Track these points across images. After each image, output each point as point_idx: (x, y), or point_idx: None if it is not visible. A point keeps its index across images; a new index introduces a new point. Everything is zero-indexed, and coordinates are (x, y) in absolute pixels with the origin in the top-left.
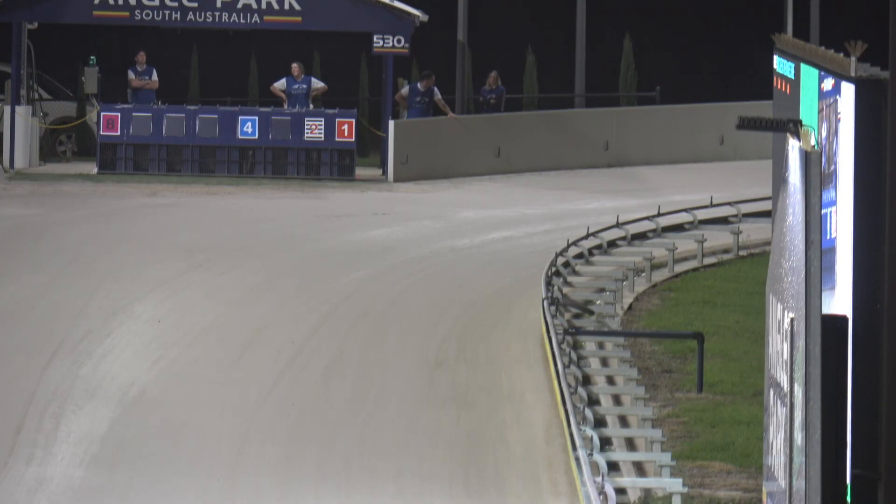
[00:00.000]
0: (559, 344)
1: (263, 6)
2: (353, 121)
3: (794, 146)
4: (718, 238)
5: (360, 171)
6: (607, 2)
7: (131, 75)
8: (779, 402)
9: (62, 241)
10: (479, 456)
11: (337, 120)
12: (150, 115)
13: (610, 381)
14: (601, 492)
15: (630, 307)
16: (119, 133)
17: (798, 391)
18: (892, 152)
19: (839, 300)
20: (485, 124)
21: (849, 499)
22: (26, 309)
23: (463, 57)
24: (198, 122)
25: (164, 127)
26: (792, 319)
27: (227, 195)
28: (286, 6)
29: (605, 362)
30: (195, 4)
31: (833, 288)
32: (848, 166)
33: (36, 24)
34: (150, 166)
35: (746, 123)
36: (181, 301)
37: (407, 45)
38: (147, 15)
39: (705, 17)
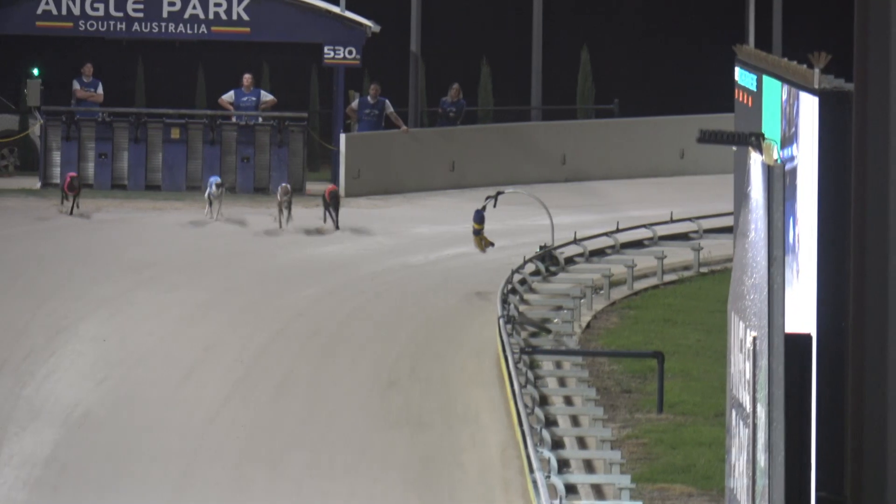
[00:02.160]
0: (515, 363)
1: (211, 17)
2: (303, 132)
3: (756, 160)
4: (679, 254)
5: (310, 187)
6: (564, 12)
7: (76, 86)
8: (741, 423)
9: (3, 257)
10: (434, 478)
11: (287, 131)
12: (94, 127)
13: (568, 401)
14: None
15: (588, 325)
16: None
17: (761, 411)
18: (856, 165)
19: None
20: (438, 138)
21: None
22: None
23: (416, 68)
24: (147, 134)
25: (113, 139)
26: (754, 338)
27: (174, 210)
28: (234, 17)
29: (562, 382)
30: (141, 15)
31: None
32: (809, 180)
33: None
34: (96, 181)
35: (707, 137)
36: (127, 319)
37: (358, 57)
38: (91, 25)
39: (664, 28)
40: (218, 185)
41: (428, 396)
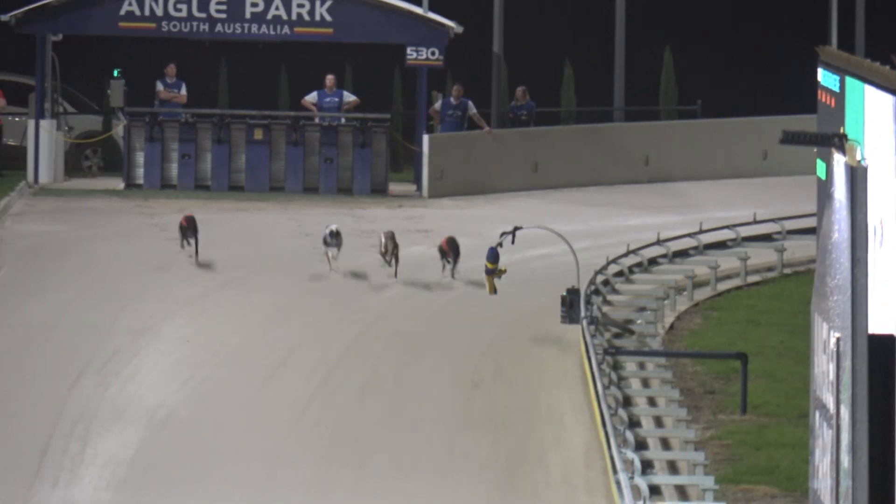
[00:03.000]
0: (599, 364)
1: (294, 17)
2: (386, 133)
3: (839, 161)
4: (762, 255)
5: (393, 187)
6: (647, 14)
7: (160, 87)
8: (825, 424)
9: (88, 258)
10: (517, 479)
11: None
12: (177, 128)
13: (651, 402)
14: None
15: (672, 326)
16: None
17: (845, 413)
18: None
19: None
20: (521, 139)
21: None
22: (51, 328)
23: (499, 69)
24: (230, 135)
25: (196, 140)
26: (838, 339)
27: (257, 211)
28: (317, 17)
29: (646, 383)
30: (224, 16)
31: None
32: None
33: (60, 36)
34: (179, 182)
35: (790, 138)
36: (210, 320)
37: (441, 57)
38: (174, 26)
39: (747, 29)
40: (334, 234)
41: (511, 397)
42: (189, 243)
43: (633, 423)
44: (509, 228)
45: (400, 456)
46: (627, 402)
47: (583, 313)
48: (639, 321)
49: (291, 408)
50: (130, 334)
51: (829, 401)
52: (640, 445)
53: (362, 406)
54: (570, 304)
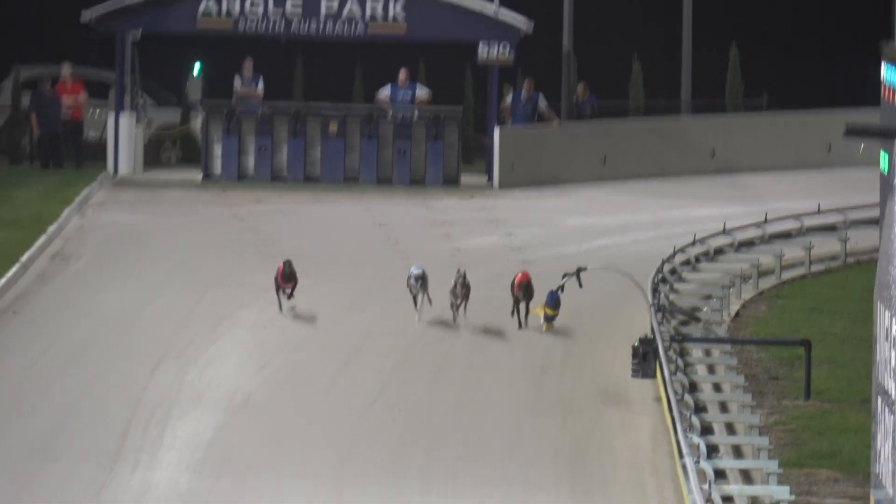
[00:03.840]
0: (666, 351)
1: (368, 16)
2: (458, 126)
3: None
4: (826, 245)
5: (465, 179)
6: (713, 10)
7: (237, 83)
8: (887, 410)
9: (167, 247)
10: (585, 462)
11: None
12: (254, 121)
13: (717, 388)
14: (708, 499)
15: (737, 314)
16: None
17: None
18: None
19: None
20: (590, 132)
21: None
22: (132, 315)
23: (569, 65)
24: (306, 128)
25: (272, 133)
26: None
27: (332, 202)
28: (391, 16)
29: (711, 369)
30: (299, 14)
31: None
32: None
33: (139, 34)
34: (256, 173)
35: (854, 130)
36: (286, 308)
37: (512, 55)
38: (251, 25)
39: (811, 25)
40: (418, 278)
41: (580, 383)
42: (286, 292)
43: (699, 409)
44: (580, 220)
45: (471, 440)
46: (693, 387)
47: (650, 301)
48: (705, 309)
49: (365, 393)
50: (209, 321)
51: (891, 387)
52: (706, 430)
53: (434, 391)
54: (644, 357)
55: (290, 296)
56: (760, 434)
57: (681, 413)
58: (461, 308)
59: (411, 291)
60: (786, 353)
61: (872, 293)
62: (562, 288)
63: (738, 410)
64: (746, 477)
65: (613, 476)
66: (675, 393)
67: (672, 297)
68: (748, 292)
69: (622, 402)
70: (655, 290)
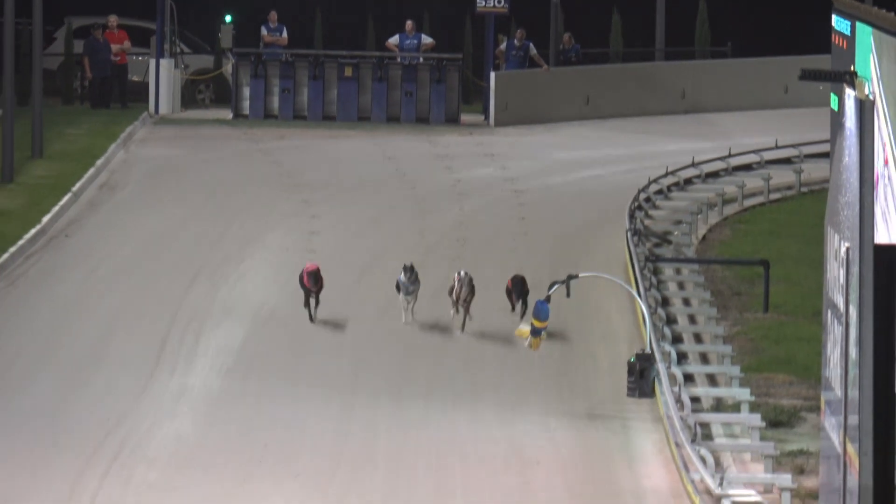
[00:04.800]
0: (641, 270)
1: None
2: (458, 71)
3: (849, 95)
4: (783, 176)
5: (464, 117)
6: None
7: (264, 31)
8: (836, 321)
9: (202, 178)
10: (571, 369)
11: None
12: (278, 66)
13: (686, 302)
14: (678, 400)
15: (704, 237)
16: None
17: (853, 311)
18: None
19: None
20: (575, 76)
21: None
22: (170, 238)
23: (556, 16)
24: (324, 72)
25: (294, 77)
26: (847, 248)
27: (347, 138)
28: None
29: (681, 286)
30: None
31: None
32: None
33: None
34: (280, 113)
35: (808, 75)
36: (307, 232)
37: (506, 5)
38: None
39: None
40: (407, 270)
41: (565, 298)
42: (314, 306)
43: (671, 321)
44: (566, 154)
45: (468, 350)
46: (665, 302)
47: (627, 226)
48: (675, 233)
49: (376, 306)
50: (238, 243)
51: (840, 301)
52: (676, 339)
53: (437, 305)
54: (641, 373)
55: (317, 301)
56: (724, 343)
57: (654, 324)
58: (463, 313)
59: (401, 289)
60: (747, 271)
61: (824, 219)
62: (549, 298)
63: (705, 322)
64: (712, 380)
65: (594, 381)
66: (649, 306)
67: (647, 222)
68: (714, 218)
69: (602, 315)
70: (632, 216)
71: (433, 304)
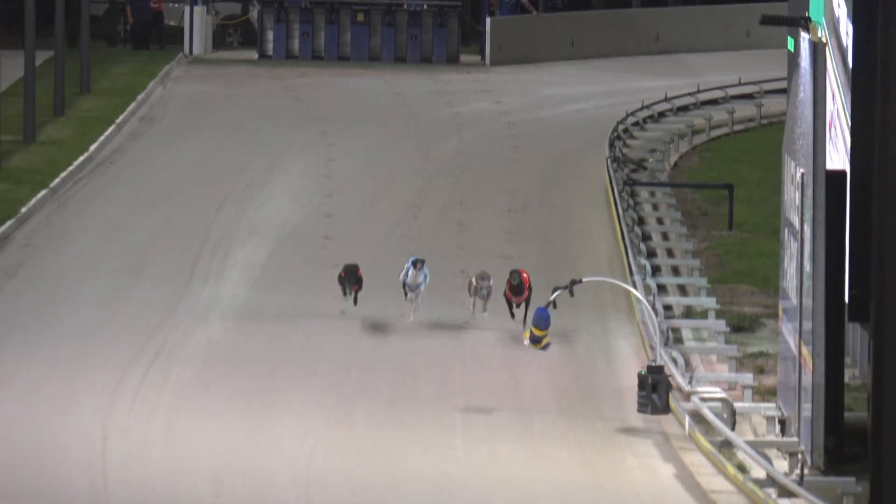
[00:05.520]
0: (619, 193)
1: None
2: (458, 16)
3: (804, 38)
4: (745, 110)
5: (463, 58)
6: None
7: None
8: (792, 238)
9: (230, 112)
10: (556, 281)
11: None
12: (298, 12)
13: (659, 221)
14: (653, 307)
15: (675, 164)
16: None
17: (807, 230)
18: (883, 36)
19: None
20: (561, 20)
21: (846, 313)
22: (203, 164)
23: None
24: (339, 18)
25: (313, 22)
26: (802, 174)
27: (359, 77)
28: None
29: (655, 207)
30: None
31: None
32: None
33: None
34: (300, 53)
35: (767, 20)
36: (323, 159)
37: None
38: None
39: None
40: (415, 263)
41: (552, 218)
42: (349, 292)
43: (646, 238)
44: (554, 90)
45: (466, 260)
46: (641, 221)
47: (607, 153)
48: (650, 160)
49: (385, 225)
50: (262, 170)
51: (796, 220)
52: (651, 254)
53: (440, 224)
54: (654, 388)
55: (356, 300)
56: (693, 257)
57: (631, 241)
58: (481, 305)
59: (405, 290)
60: (713, 194)
61: (781, 147)
62: (553, 304)
63: (676, 239)
64: (682, 291)
65: (579, 293)
66: (627, 225)
67: (625, 150)
68: (684, 147)
69: (585, 233)
70: (612, 145)
71: (437, 224)
